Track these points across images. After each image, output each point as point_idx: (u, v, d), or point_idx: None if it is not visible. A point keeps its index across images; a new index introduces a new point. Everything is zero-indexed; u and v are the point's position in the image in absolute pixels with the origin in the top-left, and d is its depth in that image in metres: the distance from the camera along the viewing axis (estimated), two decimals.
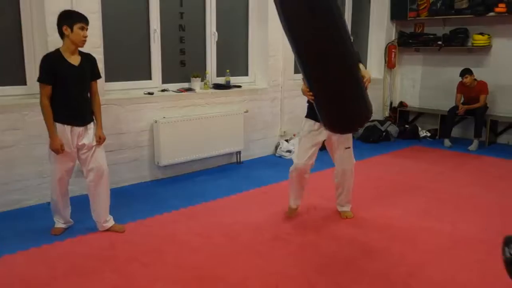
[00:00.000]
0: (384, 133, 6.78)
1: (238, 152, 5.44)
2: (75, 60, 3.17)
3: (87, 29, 3.17)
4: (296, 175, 3.59)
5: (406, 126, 7.15)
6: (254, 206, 3.98)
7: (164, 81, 4.92)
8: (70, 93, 3.14)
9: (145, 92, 4.64)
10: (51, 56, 3.11)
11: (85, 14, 3.97)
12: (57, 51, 3.14)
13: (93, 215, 3.41)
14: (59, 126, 3.14)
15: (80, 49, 3.21)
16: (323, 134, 3.47)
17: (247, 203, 4.07)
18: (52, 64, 3.07)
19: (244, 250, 3.14)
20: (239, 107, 5.33)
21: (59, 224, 3.41)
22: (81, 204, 3.59)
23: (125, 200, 4.11)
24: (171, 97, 4.79)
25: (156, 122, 4.55)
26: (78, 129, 3.19)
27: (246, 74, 5.78)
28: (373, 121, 6.92)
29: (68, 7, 3.88)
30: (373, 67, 7.57)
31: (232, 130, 5.19)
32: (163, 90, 4.83)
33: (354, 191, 3.77)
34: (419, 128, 7.04)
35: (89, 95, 3.30)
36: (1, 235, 3.31)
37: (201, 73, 5.15)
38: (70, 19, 3.10)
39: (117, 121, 4.38)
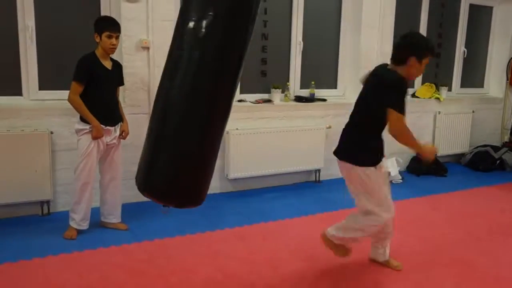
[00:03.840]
0: (498, 161, 5.82)
1: (318, 170, 5.05)
2: (108, 64, 3.32)
3: (116, 37, 3.23)
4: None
5: None
6: (317, 233, 3.57)
7: (242, 91, 4.75)
8: (104, 94, 3.31)
9: None
10: (89, 58, 3.23)
11: (159, 22, 4.02)
12: (93, 53, 3.26)
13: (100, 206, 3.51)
14: None
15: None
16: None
17: (310, 228, 3.68)
18: (89, 66, 3.20)
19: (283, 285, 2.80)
20: (321, 122, 4.95)
21: (81, 225, 3.36)
22: (132, 212, 3.57)
23: (184, 211, 3.99)
24: (246, 107, 4.60)
25: (227, 133, 4.40)
26: (111, 129, 3.35)
27: (335, 87, 5.37)
28: (485, 146, 5.99)
29: (143, 15, 3.94)
30: (492, 84, 6.57)
31: (311, 146, 4.83)
32: (239, 101, 4.66)
33: (435, 227, 3.17)
34: None
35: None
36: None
37: (283, 85, 4.89)
38: (98, 27, 3.20)
39: None
